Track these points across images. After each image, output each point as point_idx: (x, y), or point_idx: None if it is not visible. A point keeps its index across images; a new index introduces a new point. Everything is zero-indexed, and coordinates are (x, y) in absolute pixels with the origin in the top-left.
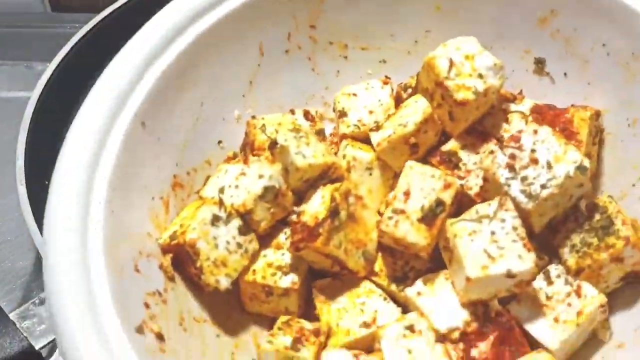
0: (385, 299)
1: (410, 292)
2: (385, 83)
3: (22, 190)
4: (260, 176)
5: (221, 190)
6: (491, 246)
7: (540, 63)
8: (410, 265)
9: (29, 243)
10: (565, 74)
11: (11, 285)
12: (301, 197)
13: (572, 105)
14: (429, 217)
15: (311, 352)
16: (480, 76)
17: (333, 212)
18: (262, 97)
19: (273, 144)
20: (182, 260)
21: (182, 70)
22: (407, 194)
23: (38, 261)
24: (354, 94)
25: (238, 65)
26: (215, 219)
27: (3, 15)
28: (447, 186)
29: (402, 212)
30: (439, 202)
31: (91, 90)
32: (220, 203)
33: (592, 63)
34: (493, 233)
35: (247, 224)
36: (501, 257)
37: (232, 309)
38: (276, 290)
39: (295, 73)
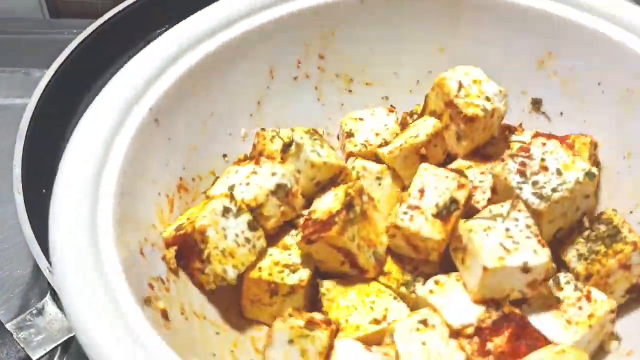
0: (395, 298)
1: (421, 291)
2: (391, 111)
3: (19, 198)
4: (273, 174)
5: (231, 188)
6: (506, 241)
7: (536, 103)
8: (419, 270)
9: (26, 252)
10: (561, 113)
11: (8, 294)
12: (310, 202)
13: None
14: (443, 214)
15: (325, 335)
16: (487, 99)
17: (348, 205)
18: (268, 119)
19: (286, 146)
20: (186, 253)
21: (198, 77)
22: (421, 191)
23: (36, 270)
24: (361, 118)
25: (248, 84)
26: (226, 211)
27: (1, 21)
28: (460, 186)
29: (417, 207)
30: (453, 200)
31: (110, 80)
32: (231, 197)
33: (588, 102)
34: (507, 229)
35: (257, 220)
36: (516, 250)
37: (231, 314)
38: (282, 288)
39: (301, 100)
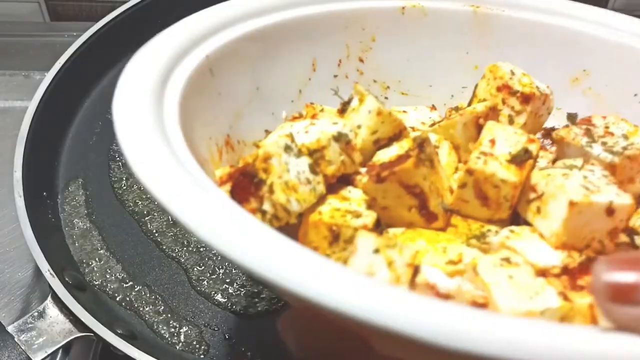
0: (468, 245)
1: (496, 238)
2: (433, 109)
3: (20, 202)
4: (334, 123)
5: (288, 134)
6: (587, 184)
7: (572, 117)
8: (486, 228)
9: (27, 255)
10: None
11: (10, 297)
12: (368, 160)
13: None
14: (517, 161)
15: (412, 250)
16: (538, 87)
17: (420, 145)
18: None
19: (346, 103)
20: (240, 190)
21: (253, 45)
22: (492, 141)
23: (37, 273)
24: (404, 111)
25: (292, 70)
26: (288, 148)
27: (0, 24)
28: (531, 141)
29: (490, 154)
30: (526, 150)
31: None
32: (292, 138)
33: (624, 113)
34: (585, 177)
35: (317, 164)
36: (599, 192)
37: None
38: (345, 231)
39: (339, 98)
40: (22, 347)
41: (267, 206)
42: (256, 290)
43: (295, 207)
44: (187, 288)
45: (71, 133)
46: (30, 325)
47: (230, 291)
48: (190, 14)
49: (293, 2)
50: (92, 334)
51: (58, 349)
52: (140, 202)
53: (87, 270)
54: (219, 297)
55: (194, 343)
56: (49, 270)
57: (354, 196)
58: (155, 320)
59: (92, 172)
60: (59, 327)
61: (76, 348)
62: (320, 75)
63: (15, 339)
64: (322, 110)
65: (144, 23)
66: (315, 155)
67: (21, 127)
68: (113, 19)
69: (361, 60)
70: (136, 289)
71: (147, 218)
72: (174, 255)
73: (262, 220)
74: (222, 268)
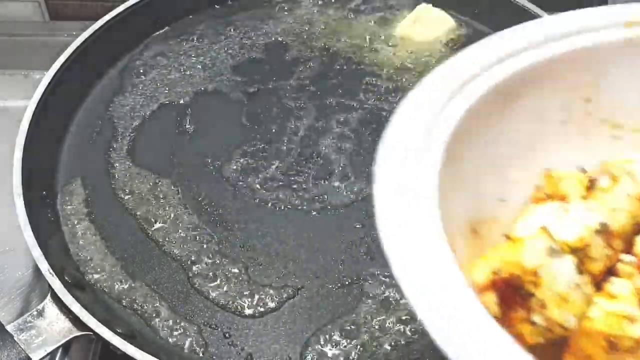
0: None
1: None
2: None
3: (20, 201)
4: (591, 210)
5: (544, 228)
6: None
7: None
8: None
9: (27, 254)
10: None
11: (9, 296)
12: (627, 245)
13: None
14: None
15: None
16: None
17: None
18: (540, 163)
19: (593, 181)
20: (505, 299)
21: (485, 107)
22: None
23: (36, 272)
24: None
25: (520, 125)
26: (552, 251)
27: (0, 24)
28: None
29: None
30: None
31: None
32: (550, 236)
33: None
34: None
35: (582, 263)
36: None
37: None
38: (624, 341)
39: (569, 147)
40: (22, 346)
41: (537, 318)
42: (255, 289)
43: (572, 323)
44: (187, 287)
45: (71, 133)
46: (29, 324)
47: (230, 290)
48: (189, 13)
49: (511, 52)
50: (91, 333)
51: (57, 347)
52: (139, 201)
53: (86, 270)
54: (218, 296)
55: (193, 342)
56: (48, 270)
57: (621, 291)
58: (155, 319)
59: (91, 172)
60: (58, 326)
61: (76, 347)
62: (546, 125)
63: (15, 338)
64: (561, 180)
65: (144, 22)
66: (579, 253)
67: (21, 127)
68: (113, 18)
69: (588, 101)
70: (135, 288)
71: (146, 217)
72: (174, 254)
73: (531, 331)
74: (221, 267)
